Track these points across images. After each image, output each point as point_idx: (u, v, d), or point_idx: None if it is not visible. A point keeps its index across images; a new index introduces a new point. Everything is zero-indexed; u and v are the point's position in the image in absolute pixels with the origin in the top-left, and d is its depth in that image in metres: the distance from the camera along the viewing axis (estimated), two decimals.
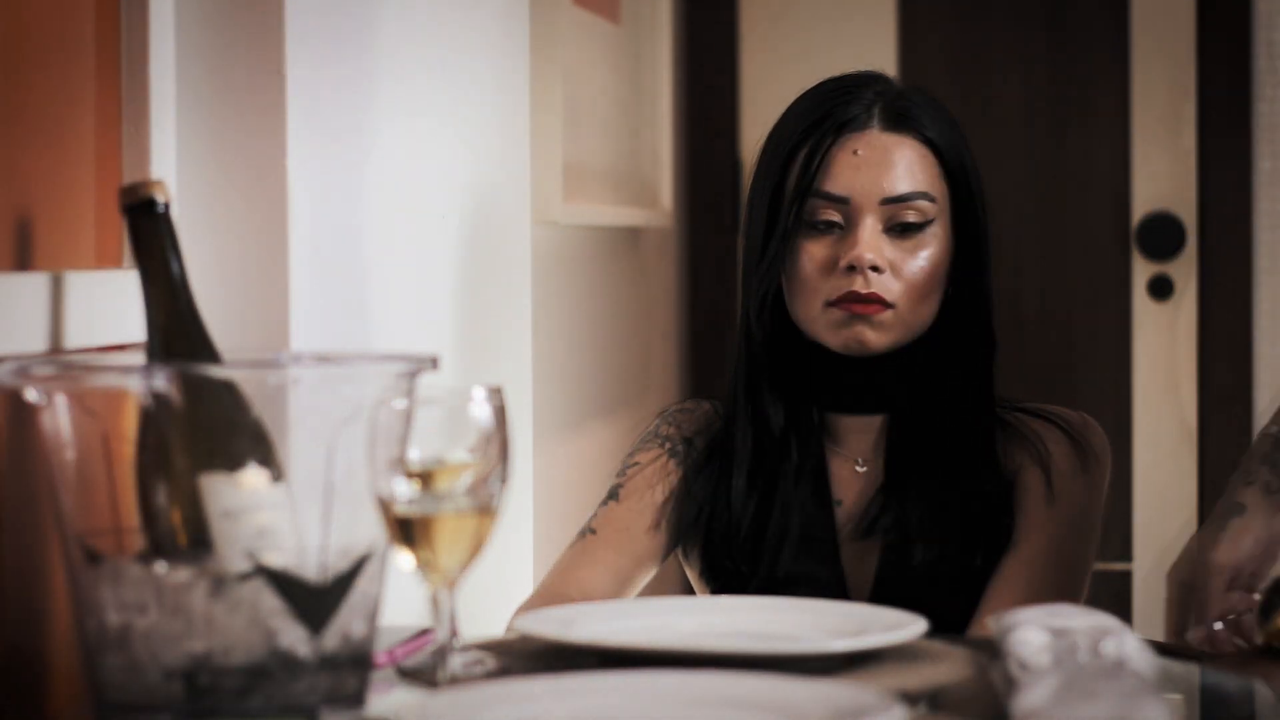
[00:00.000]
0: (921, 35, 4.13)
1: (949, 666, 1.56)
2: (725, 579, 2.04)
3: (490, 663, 1.51)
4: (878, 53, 4.07)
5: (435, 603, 1.44)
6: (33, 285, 1.53)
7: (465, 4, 2.31)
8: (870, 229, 2.00)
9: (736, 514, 2.03)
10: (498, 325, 2.42)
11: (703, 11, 4.16)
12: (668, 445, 2.10)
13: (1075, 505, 2.04)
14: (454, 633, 1.47)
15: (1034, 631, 1.42)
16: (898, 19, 4.14)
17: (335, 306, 1.92)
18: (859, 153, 2.01)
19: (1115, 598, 4.02)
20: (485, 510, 1.43)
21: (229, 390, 1.41)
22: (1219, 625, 1.75)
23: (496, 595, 2.26)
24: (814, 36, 4.16)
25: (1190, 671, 1.72)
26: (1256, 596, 1.75)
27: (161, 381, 1.38)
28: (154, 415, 1.39)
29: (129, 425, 1.40)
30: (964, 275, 2.05)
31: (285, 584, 1.38)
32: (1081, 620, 1.45)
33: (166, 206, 1.49)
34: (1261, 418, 3.99)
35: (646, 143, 3.82)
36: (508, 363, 2.45)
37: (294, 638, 1.39)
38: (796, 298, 2.03)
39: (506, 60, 2.45)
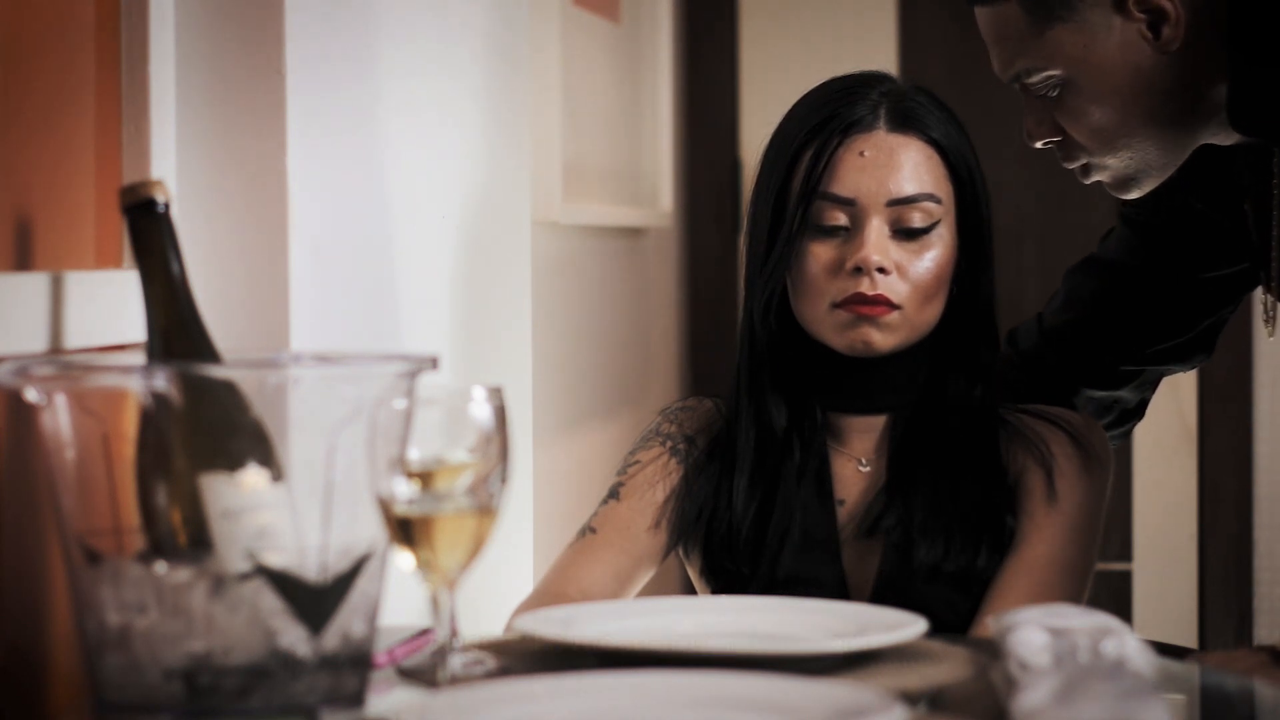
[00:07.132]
0: (921, 35, 4.12)
1: (949, 666, 1.56)
2: (726, 579, 2.04)
3: (490, 663, 1.51)
4: (878, 53, 4.07)
5: (435, 603, 1.44)
6: (33, 285, 1.52)
7: (465, 4, 2.31)
8: (876, 230, 1.99)
9: (738, 513, 2.03)
10: (498, 325, 2.42)
11: (703, 11, 4.16)
12: (669, 444, 2.09)
13: (1077, 507, 2.03)
14: (454, 633, 1.47)
15: (1034, 631, 1.42)
16: (898, 19, 4.13)
17: (335, 306, 1.92)
18: (865, 154, 2.00)
19: (1115, 598, 4.02)
20: (485, 510, 1.43)
21: (229, 390, 1.41)
22: None
23: (496, 595, 2.26)
24: (814, 36, 4.15)
25: (1190, 671, 1.72)
26: None
27: (161, 381, 1.38)
28: (154, 415, 1.39)
29: (129, 425, 1.40)
30: (968, 275, 2.05)
31: (285, 584, 1.38)
32: (1081, 620, 1.45)
33: (166, 206, 1.49)
34: (1262, 418, 3.99)
35: (646, 143, 3.82)
36: (508, 363, 2.45)
37: (294, 638, 1.39)
38: (802, 299, 2.03)
39: (506, 60, 2.45)
